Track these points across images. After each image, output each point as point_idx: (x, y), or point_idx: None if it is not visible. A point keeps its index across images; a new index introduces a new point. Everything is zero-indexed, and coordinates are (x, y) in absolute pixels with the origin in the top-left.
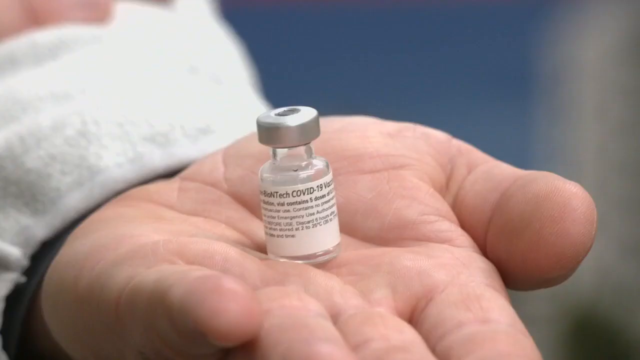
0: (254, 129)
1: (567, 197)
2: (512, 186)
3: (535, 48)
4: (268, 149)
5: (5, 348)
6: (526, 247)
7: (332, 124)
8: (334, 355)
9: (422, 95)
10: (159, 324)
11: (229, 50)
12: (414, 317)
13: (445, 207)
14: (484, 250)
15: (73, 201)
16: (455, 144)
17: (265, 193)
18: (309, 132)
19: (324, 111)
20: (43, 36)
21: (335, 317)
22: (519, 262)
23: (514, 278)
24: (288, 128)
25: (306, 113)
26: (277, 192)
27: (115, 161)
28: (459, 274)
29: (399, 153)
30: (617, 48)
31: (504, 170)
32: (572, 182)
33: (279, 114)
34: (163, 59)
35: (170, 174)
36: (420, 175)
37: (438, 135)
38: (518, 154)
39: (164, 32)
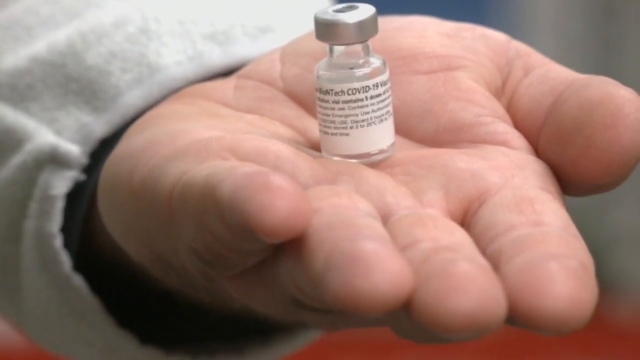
0: None
1: (620, 104)
2: (566, 90)
3: None
4: (325, 47)
5: (66, 246)
6: (577, 152)
7: (391, 23)
8: (378, 252)
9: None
10: (209, 219)
11: None
12: (466, 220)
13: (501, 110)
14: (537, 154)
15: (132, 99)
16: (514, 45)
17: (320, 90)
18: (366, 29)
19: None
20: None
21: (387, 217)
22: (569, 167)
23: (565, 183)
24: (346, 25)
25: (364, 10)
26: (332, 90)
27: (174, 59)
28: (513, 177)
29: (455, 54)
30: None
31: (560, 74)
32: (627, 88)
33: (337, 11)
34: None
35: (229, 72)
36: (475, 77)
37: (497, 37)
38: None
39: None
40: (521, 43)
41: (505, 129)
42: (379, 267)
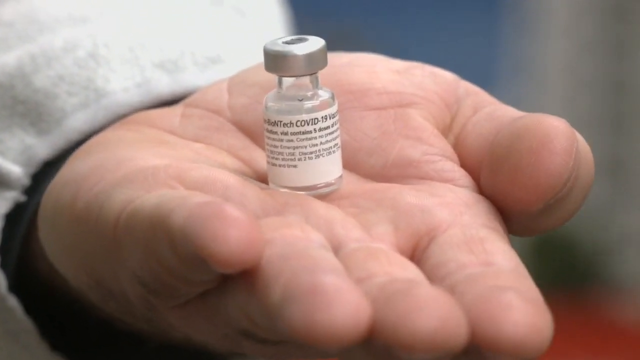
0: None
1: (546, 129)
2: (506, 125)
3: None
4: (274, 78)
5: (3, 267)
6: (506, 179)
7: (340, 59)
8: (338, 285)
9: (387, 5)
10: (159, 248)
11: None
12: (415, 255)
13: (448, 148)
14: (479, 190)
15: (77, 122)
16: (463, 85)
17: (269, 122)
18: (315, 61)
19: None
20: None
21: (337, 249)
22: (501, 197)
23: (504, 218)
24: (295, 56)
25: (314, 42)
26: (280, 121)
27: (122, 85)
28: (462, 214)
29: (406, 91)
30: None
31: (506, 112)
32: (558, 118)
33: (286, 42)
34: None
35: (176, 100)
36: (425, 115)
37: (446, 76)
38: (484, 67)
39: None
40: (469, 83)
41: (452, 168)
42: (339, 300)
